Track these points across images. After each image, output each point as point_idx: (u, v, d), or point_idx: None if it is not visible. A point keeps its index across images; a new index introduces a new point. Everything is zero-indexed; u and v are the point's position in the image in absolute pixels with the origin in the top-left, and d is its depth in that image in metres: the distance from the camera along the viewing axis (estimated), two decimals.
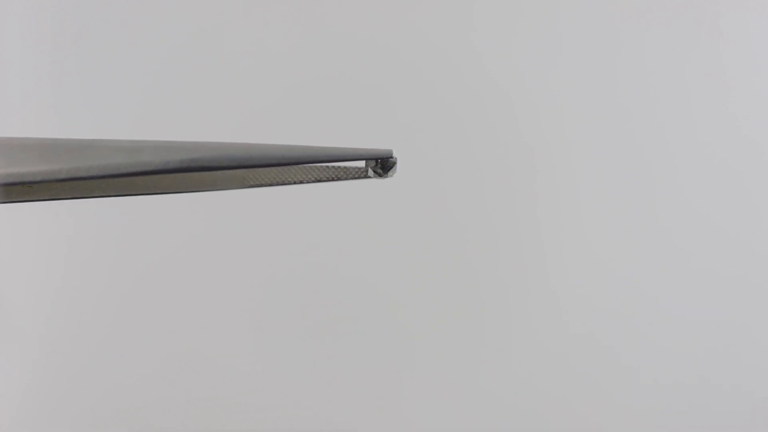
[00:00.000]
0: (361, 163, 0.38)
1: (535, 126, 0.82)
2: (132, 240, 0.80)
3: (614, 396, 0.83)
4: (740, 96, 0.83)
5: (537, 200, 0.82)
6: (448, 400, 0.82)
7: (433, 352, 0.82)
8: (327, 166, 0.38)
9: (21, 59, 0.79)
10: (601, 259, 0.83)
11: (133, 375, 0.80)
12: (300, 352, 0.81)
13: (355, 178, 0.38)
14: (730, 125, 0.83)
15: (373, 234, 0.81)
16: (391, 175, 0.38)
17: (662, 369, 0.83)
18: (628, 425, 0.83)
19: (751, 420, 0.83)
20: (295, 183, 0.37)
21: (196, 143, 0.37)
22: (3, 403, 0.79)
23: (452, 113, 0.82)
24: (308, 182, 0.38)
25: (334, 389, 0.81)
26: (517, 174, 0.82)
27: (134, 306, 0.80)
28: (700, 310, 0.83)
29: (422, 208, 0.82)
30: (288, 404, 0.81)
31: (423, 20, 0.82)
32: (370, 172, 0.38)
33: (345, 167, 0.38)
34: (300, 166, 0.37)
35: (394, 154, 0.39)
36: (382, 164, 0.38)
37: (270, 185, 0.37)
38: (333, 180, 0.38)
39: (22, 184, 0.36)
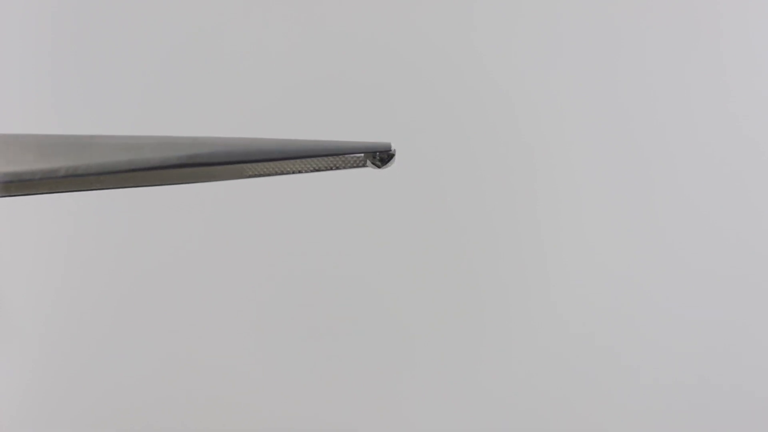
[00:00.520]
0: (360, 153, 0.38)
1: (535, 125, 0.82)
2: (131, 240, 0.80)
3: (614, 396, 0.83)
4: (740, 96, 0.83)
5: (537, 200, 0.83)
6: (448, 400, 0.82)
7: (433, 352, 0.82)
8: (325, 157, 0.38)
9: (20, 56, 0.79)
10: (601, 258, 0.83)
11: (132, 375, 0.80)
12: (300, 352, 0.81)
13: (353, 167, 0.38)
14: (730, 125, 0.83)
15: (373, 234, 0.81)
16: (389, 166, 0.38)
17: (662, 369, 0.83)
18: (628, 425, 0.83)
19: (752, 420, 0.83)
20: (293, 173, 0.38)
21: (194, 139, 0.37)
22: (3, 403, 0.79)
23: (452, 112, 0.82)
24: (306, 172, 0.38)
25: (334, 389, 0.81)
26: (517, 173, 0.82)
27: (134, 306, 0.80)
28: (699, 310, 0.83)
29: (422, 208, 0.82)
30: (288, 404, 0.81)
31: (423, 19, 0.82)
32: (368, 163, 0.38)
33: (343, 157, 0.38)
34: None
35: (393, 147, 0.39)
36: (381, 158, 0.38)
37: (268, 175, 0.38)
38: (331, 169, 0.38)
39: (21, 182, 0.36)
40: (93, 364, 0.80)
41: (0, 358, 0.78)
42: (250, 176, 0.38)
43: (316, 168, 0.38)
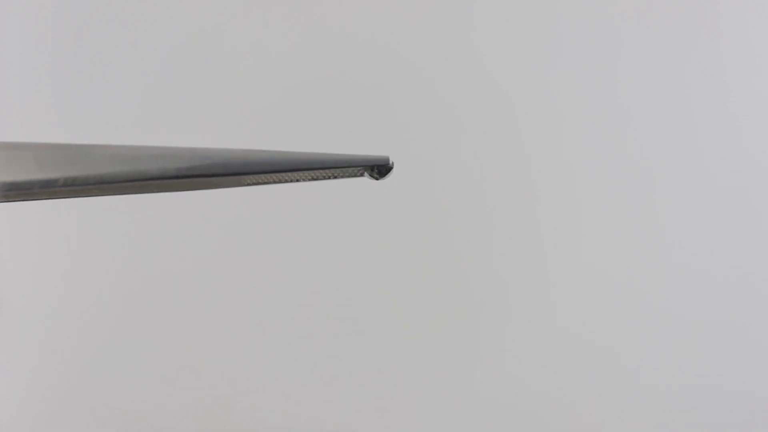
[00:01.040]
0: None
1: (534, 126, 0.82)
2: (132, 242, 0.80)
3: (613, 397, 0.83)
4: (739, 97, 0.83)
5: (535, 200, 0.83)
6: (447, 401, 0.83)
7: (432, 354, 0.82)
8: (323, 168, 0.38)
9: (19, 60, 0.79)
10: (599, 259, 0.83)
11: (132, 376, 0.80)
12: (299, 354, 0.81)
13: (351, 177, 0.38)
14: (730, 126, 0.83)
15: (370, 235, 0.82)
16: (387, 178, 0.38)
17: (661, 370, 0.83)
18: (627, 426, 0.83)
19: (751, 421, 0.83)
20: (291, 181, 0.38)
21: (193, 150, 0.37)
22: (3, 403, 0.79)
23: (450, 112, 0.82)
24: (305, 180, 0.38)
25: (333, 390, 0.82)
26: (515, 174, 0.83)
27: (134, 307, 0.80)
28: (699, 311, 0.83)
29: (420, 210, 0.82)
30: (287, 405, 0.81)
31: (422, 19, 0.82)
32: (366, 174, 0.38)
33: (341, 168, 0.38)
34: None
35: (391, 161, 0.39)
36: (379, 171, 0.38)
37: (267, 183, 0.38)
38: (329, 179, 0.39)
39: (19, 191, 0.36)
40: (93, 365, 0.80)
41: (1, 358, 0.79)
42: (248, 185, 0.38)
43: (314, 177, 0.38)
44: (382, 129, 0.81)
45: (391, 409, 0.82)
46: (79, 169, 0.36)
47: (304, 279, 0.81)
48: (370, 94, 0.81)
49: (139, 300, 0.80)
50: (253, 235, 0.81)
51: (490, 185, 0.82)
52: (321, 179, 0.39)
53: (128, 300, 0.80)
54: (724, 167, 0.83)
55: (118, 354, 0.80)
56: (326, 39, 0.81)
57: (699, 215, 0.83)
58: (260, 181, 0.38)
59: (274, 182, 0.39)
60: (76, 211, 0.78)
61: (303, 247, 0.81)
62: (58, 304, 0.80)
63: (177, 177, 0.37)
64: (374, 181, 0.40)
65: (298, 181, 0.39)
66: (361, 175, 0.39)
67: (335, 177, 0.39)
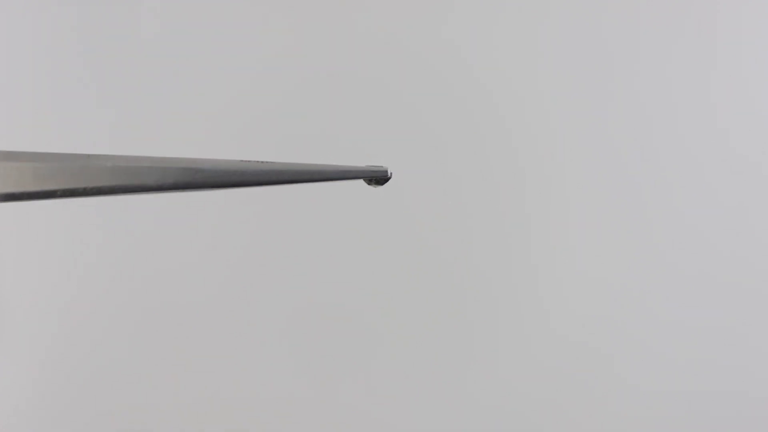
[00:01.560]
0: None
1: (527, 133, 0.83)
2: (131, 243, 0.80)
3: (605, 399, 0.83)
4: (732, 100, 0.83)
5: (528, 205, 0.83)
6: (440, 402, 0.83)
7: (425, 356, 0.83)
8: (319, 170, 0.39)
9: (18, 65, 0.79)
10: (592, 263, 0.83)
11: (131, 376, 0.80)
12: (291, 354, 0.82)
13: (347, 179, 0.39)
14: (719, 130, 0.83)
15: (365, 237, 0.82)
16: (383, 185, 0.39)
17: (655, 374, 0.84)
18: (620, 428, 0.84)
19: (747, 424, 0.84)
20: (287, 182, 0.38)
21: (192, 161, 0.37)
22: (3, 403, 0.79)
23: (446, 120, 0.82)
24: (300, 182, 0.38)
25: (327, 391, 0.82)
26: (508, 178, 0.83)
27: (133, 307, 0.80)
28: (692, 315, 0.83)
29: (415, 212, 0.82)
30: (279, 405, 0.82)
31: (420, 24, 0.82)
32: (363, 182, 0.39)
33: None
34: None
35: (389, 172, 0.39)
36: (377, 181, 0.39)
37: (262, 184, 0.38)
38: (324, 180, 0.39)
39: (14, 199, 0.36)
40: (93, 366, 0.80)
41: (1, 359, 0.78)
42: (242, 185, 0.38)
43: (311, 179, 0.39)
44: (378, 133, 0.81)
45: (385, 410, 0.83)
46: (77, 181, 0.36)
47: (299, 281, 0.81)
48: (366, 98, 0.81)
49: (139, 300, 0.80)
50: (249, 236, 0.81)
51: (483, 192, 0.83)
52: (317, 181, 0.39)
53: (127, 302, 0.80)
54: (716, 169, 0.83)
55: (116, 355, 0.80)
56: (324, 41, 0.81)
57: (692, 219, 0.83)
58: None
59: (273, 183, 0.39)
60: (80, 211, 0.78)
61: (297, 248, 0.81)
62: (57, 304, 0.80)
63: (174, 189, 0.37)
64: (369, 187, 0.40)
65: (294, 182, 0.39)
66: (359, 178, 0.39)
67: (331, 179, 0.39)
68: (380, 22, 0.81)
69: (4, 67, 0.78)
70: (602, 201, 0.83)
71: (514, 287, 0.83)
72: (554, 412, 0.84)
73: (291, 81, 0.80)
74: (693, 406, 0.84)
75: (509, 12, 0.82)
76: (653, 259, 0.83)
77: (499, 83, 0.82)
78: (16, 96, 0.78)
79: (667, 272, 0.83)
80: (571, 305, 0.83)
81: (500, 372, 0.83)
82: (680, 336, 0.84)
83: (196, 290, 0.81)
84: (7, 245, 0.78)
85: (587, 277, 0.83)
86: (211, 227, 0.80)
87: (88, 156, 0.38)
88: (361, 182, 0.40)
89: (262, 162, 0.38)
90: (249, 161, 0.38)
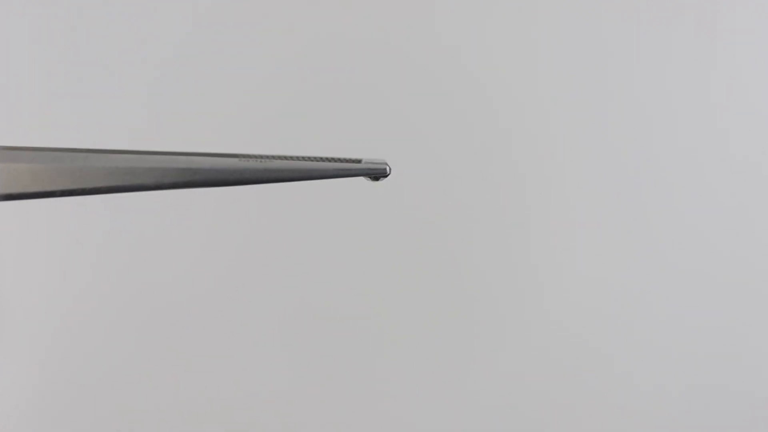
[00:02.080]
0: (354, 157, 0.39)
1: (527, 129, 0.82)
2: (130, 243, 0.80)
3: (607, 397, 0.84)
4: (732, 99, 0.83)
5: (529, 201, 0.83)
6: (441, 400, 0.83)
7: (426, 354, 0.83)
8: (317, 168, 0.39)
9: (16, 63, 0.79)
10: (593, 260, 0.83)
11: (131, 376, 0.80)
12: (292, 354, 0.82)
13: (346, 177, 0.39)
14: (719, 130, 0.83)
15: (365, 235, 0.82)
16: (382, 180, 0.39)
17: (657, 371, 0.84)
18: (621, 426, 0.84)
19: (749, 422, 0.84)
20: (286, 180, 0.38)
21: (189, 160, 0.37)
22: (3, 403, 0.79)
23: (446, 117, 0.82)
24: (300, 180, 0.39)
25: (327, 390, 0.82)
26: (508, 177, 0.83)
27: (133, 307, 0.80)
28: (693, 311, 0.84)
29: (414, 211, 0.82)
30: (280, 405, 0.82)
31: (416, 25, 0.82)
32: (363, 178, 0.39)
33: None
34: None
35: (389, 168, 0.39)
36: (376, 177, 0.39)
37: (262, 182, 0.38)
38: (323, 178, 0.39)
39: (13, 198, 0.36)
40: (93, 366, 0.80)
41: (1, 359, 0.79)
42: (241, 183, 0.38)
43: (310, 177, 0.39)
44: (377, 129, 0.81)
45: (385, 409, 0.83)
46: (75, 182, 0.36)
47: (299, 280, 0.81)
48: (365, 96, 0.81)
49: (138, 300, 0.80)
50: (250, 236, 0.81)
51: (483, 188, 0.83)
52: (316, 179, 0.39)
53: (128, 301, 0.80)
54: (716, 169, 0.83)
55: (117, 354, 0.80)
56: (321, 42, 0.81)
57: (692, 219, 0.83)
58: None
59: (272, 181, 0.39)
60: (79, 211, 0.78)
61: (297, 248, 0.81)
62: (58, 304, 0.80)
63: (173, 187, 0.37)
64: (369, 183, 0.40)
65: (292, 180, 0.39)
66: (357, 175, 0.39)
67: (329, 177, 0.39)
68: (378, 21, 0.81)
69: (6, 65, 0.78)
70: (602, 200, 0.83)
71: (515, 287, 0.83)
72: (555, 411, 0.84)
73: (289, 80, 0.80)
74: (693, 404, 0.84)
75: (510, 12, 0.82)
76: (653, 258, 0.83)
77: (500, 82, 0.82)
78: (26, 94, 0.78)
79: (668, 271, 0.83)
80: (571, 304, 0.83)
81: (501, 371, 0.83)
82: (680, 335, 0.84)
83: (196, 290, 0.81)
84: (6, 245, 0.78)
85: (587, 277, 0.83)
86: (211, 226, 0.80)
87: (87, 154, 0.38)
88: (359, 181, 0.40)
89: (260, 158, 0.38)
90: (247, 157, 0.38)
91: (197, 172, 0.37)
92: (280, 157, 0.39)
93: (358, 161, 0.40)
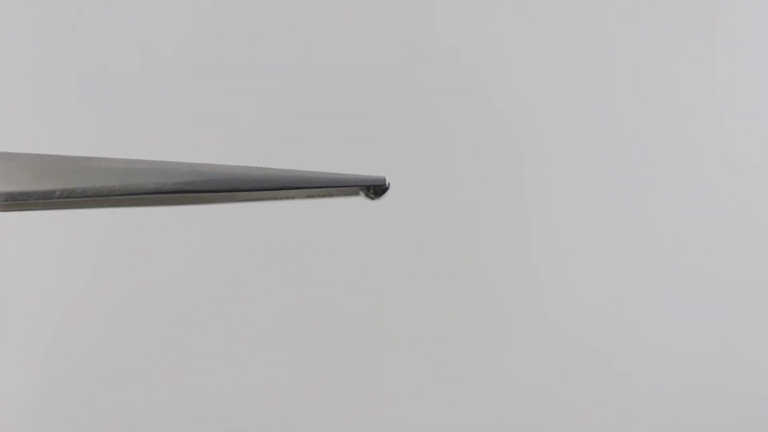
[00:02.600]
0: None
1: (526, 128, 0.83)
2: (130, 242, 0.80)
3: (607, 397, 0.84)
4: (732, 99, 0.83)
5: (529, 200, 0.83)
6: (441, 401, 0.83)
7: (426, 354, 0.83)
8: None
9: (16, 63, 0.79)
10: (593, 259, 0.83)
11: (131, 376, 0.80)
12: (291, 354, 0.82)
13: (347, 195, 0.39)
14: (719, 130, 0.84)
15: (365, 235, 0.82)
16: (382, 198, 0.39)
17: (656, 371, 0.84)
18: (621, 426, 0.84)
19: (750, 423, 0.84)
20: (285, 199, 0.38)
21: (190, 165, 0.37)
22: (3, 403, 0.79)
23: (441, 119, 0.82)
24: (299, 198, 0.39)
25: (325, 390, 0.82)
26: (508, 176, 0.83)
27: (133, 307, 0.80)
28: (694, 311, 0.84)
29: (414, 208, 0.82)
30: (279, 405, 0.82)
31: (415, 34, 0.82)
32: (362, 194, 0.39)
33: (336, 187, 0.39)
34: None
35: (387, 181, 0.39)
36: (375, 191, 0.39)
37: (261, 200, 0.38)
38: (325, 197, 0.39)
39: (15, 201, 0.36)
40: (93, 366, 0.80)
41: (1, 359, 0.79)
42: (242, 201, 0.38)
43: (310, 195, 0.38)
44: (377, 129, 0.81)
45: (385, 409, 0.83)
46: (76, 181, 0.37)
47: (299, 280, 0.81)
48: (363, 95, 0.81)
49: (139, 300, 0.80)
50: (250, 235, 0.81)
51: (481, 188, 0.83)
52: (316, 197, 0.39)
53: (128, 300, 0.80)
54: (716, 169, 0.83)
55: (117, 354, 0.81)
56: (321, 45, 0.81)
57: (692, 219, 0.83)
58: (255, 198, 0.39)
59: (269, 199, 0.39)
60: (80, 210, 0.78)
61: (297, 247, 0.81)
62: (58, 304, 0.80)
63: (174, 192, 0.37)
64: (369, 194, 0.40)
65: (293, 198, 0.39)
66: (357, 194, 0.39)
67: (331, 195, 0.39)
68: (377, 22, 0.81)
69: (6, 65, 0.78)
70: (602, 200, 0.83)
71: (514, 286, 0.83)
72: (554, 411, 0.84)
73: (287, 85, 0.80)
74: (693, 404, 0.84)
75: (509, 12, 0.82)
76: (653, 258, 0.83)
77: (500, 83, 0.82)
78: (26, 94, 0.78)
79: (668, 271, 0.83)
80: (571, 304, 0.83)
81: (500, 371, 0.83)
82: (680, 335, 0.84)
83: (196, 290, 0.81)
84: (6, 245, 0.78)
85: (587, 277, 0.83)
86: (211, 226, 0.80)
87: (88, 158, 0.38)
88: (359, 199, 0.40)
89: (261, 168, 0.38)
90: (248, 166, 0.38)
91: (199, 174, 0.37)
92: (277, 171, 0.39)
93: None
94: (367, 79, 0.81)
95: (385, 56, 0.81)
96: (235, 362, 0.81)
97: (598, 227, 0.83)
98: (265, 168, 0.38)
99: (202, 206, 0.79)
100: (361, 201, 0.80)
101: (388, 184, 0.39)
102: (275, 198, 0.39)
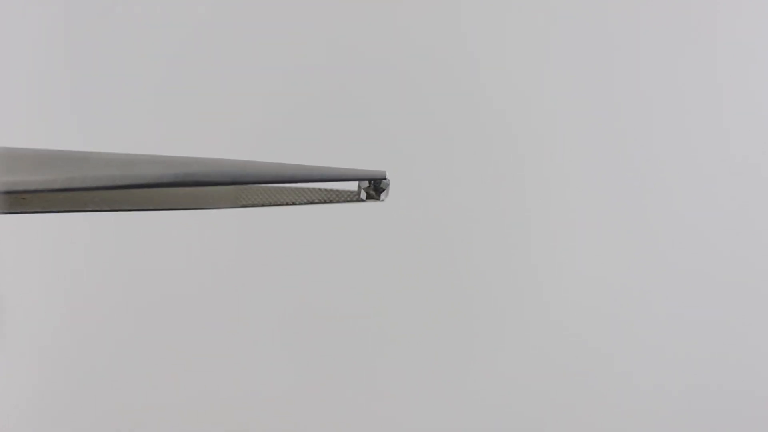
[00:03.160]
0: (354, 186, 0.38)
1: (527, 128, 0.82)
2: (131, 242, 0.80)
3: (606, 396, 0.84)
4: (732, 100, 0.83)
5: (529, 201, 0.83)
6: (441, 400, 0.83)
7: (426, 353, 0.83)
8: (320, 189, 0.38)
9: (18, 70, 0.79)
10: (593, 260, 0.83)
11: (131, 376, 0.80)
12: (292, 354, 0.82)
13: (348, 201, 0.38)
14: (719, 130, 0.83)
15: (364, 234, 0.82)
16: (383, 199, 0.38)
17: (655, 370, 0.84)
18: (620, 425, 0.84)
19: (750, 423, 0.84)
20: (287, 204, 0.38)
21: (190, 159, 0.37)
22: (3, 403, 0.79)
23: (444, 119, 0.82)
24: (300, 204, 0.38)
25: (327, 390, 0.82)
26: (509, 177, 0.83)
27: (133, 307, 0.80)
28: (693, 311, 0.84)
29: (414, 209, 0.82)
30: (280, 404, 0.82)
31: (416, 33, 0.82)
32: (363, 195, 0.38)
33: (337, 190, 0.38)
34: (293, 187, 0.38)
35: (387, 176, 0.39)
36: (375, 187, 0.38)
37: (262, 205, 0.38)
38: (325, 202, 0.38)
39: (17, 192, 0.36)
40: (93, 366, 0.80)
41: (1, 359, 0.78)
42: (244, 205, 0.38)
43: (310, 200, 0.38)
44: (376, 129, 0.81)
45: (385, 409, 0.83)
46: (76, 170, 0.36)
47: (299, 280, 0.81)
48: (362, 95, 0.81)
49: (139, 300, 0.80)
50: (250, 235, 0.81)
51: (483, 189, 0.83)
52: (317, 203, 0.39)
53: (128, 300, 0.80)
54: (716, 169, 0.83)
55: (117, 354, 0.80)
56: (320, 56, 0.81)
57: (692, 219, 0.83)
58: (256, 201, 0.38)
59: (270, 204, 0.38)
60: (79, 217, 0.78)
61: (297, 247, 0.81)
62: (58, 304, 0.80)
63: (174, 184, 0.37)
64: (369, 197, 0.39)
65: (294, 203, 0.38)
66: (357, 199, 0.39)
67: (331, 201, 0.39)
68: (377, 24, 0.81)
69: (6, 65, 0.78)
70: (602, 201, 0.83)
71: (514, 286, 0.83)
72: (554, 410, 0.84)
73: (287, 85, 0.80)
74: (693, 404, 0.84)
75: (510, 13, 0.82)
76: (653, 258, 0.83)
77: (500, 84, 0.82)
78: (25, 94, 0.78)
79: (668, 271, 0.83)
80: (571, 304, 0.83)
81: (500, 371, 0.83)
82: (680, 334, 0.84)
83: (196, 290, 0.80)
84: (6, 245, 0.78)
85: (587, 277, 0.83)
86: (212, 226, 0.80)
87: (89, 152, 0.38)
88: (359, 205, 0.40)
89: (261, 162, 0.38)
90: (248, 160, 0.38)
91: (199, 165, 0.37)
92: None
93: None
94: (367, 80, 0.81)
95: (386, 56, 0.81)
96: (235, 362, 0.81)
97: (599, 227, 0.83)
98: (266, 162, 0.38)
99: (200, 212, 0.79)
100: (359, 205, 0.81)
101: (388, 180, 0.39)
102: (276, 203, 0.39)
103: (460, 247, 0.83)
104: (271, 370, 0.81)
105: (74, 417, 0.80)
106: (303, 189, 0.38)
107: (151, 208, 0.38)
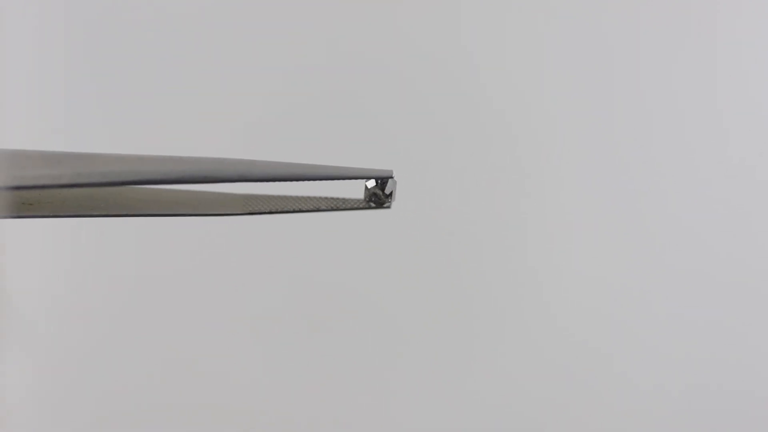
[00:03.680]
0: (360, 195, 0.38)
1: (526, 128, 0.83)
2: (131, 242, 0.80)
3: (607, 398, 0.84)
4: (730, 100, 0.84)
5: (528, 201, 0.83)
6: (441, 401, 0.83)
7: (426, 354, 0.83)
8: (326, 198, 0.38)
9: (21, 73, 0.78)
10: (593, 260, 0.83)
11: (131, 376, 0.80)
12: (292, 353, 0.82)
13: (355, 209, 0.38)
14: (718, 132, 0.84)
15: (363, 234, 0.82)
16: (389, 206, 0.38)
17: (656, 371, 0.84)
18: (621, 427, 0.84)
19: (750, 423, 0.84)
20: (294, 211, 0.38)
21: (198, 158, 0.37)
22: (3, 403, 0.79)
23: (443, 119, 0.82)
24: (307, 211, 0.38)
25: (327, 389, 0.82)
26: (508, 177, 0.83)
27: (133, 307, 0.80)
28: (693, 312, 0.84)
29: (413, 208, 0.82)
30: (280, 405, 0.82)
31: (416, 34, 0.82)
32: (370, 203, 0.38)
33: (344, 199, 0.38)
34: (300, 196, 0.38)
35: (394, 174, 0.39)
36: (382, 187, 0.38)
37: (270, 213, 0.38)
38: (332, 210, 0.38)
39: (25, 188, 0.36)
40: (93, 366, 0.80)
41: (2, 359, 0.78)
42: (251, 213, 0.38)
43: (317, 207, 0.38)
44: (376, 129, 0.81)
45: (385, 410, 0.83)
46: (85, 167, 0.36)
47: (299, 280, 0.81)
48: (361, 95, 0.81)
49: (139, 300, 0.80)
50: (249, 235, 0.81)
51: (482, 188, 0.83)
52: (324, 210, 0.39)
53: (128, 300, 0.80)
54: (714, 171, 0.84)
55: (117, 354, 0.80)
56: (322, 56, 0.81)
57: (690, 220, 0.83)
58: (264, 208, 0.38)
59: (278, 211, 0.39)
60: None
61: (297, 247, 0.81)
62: (58, 304, 0.80)
63: (181, 180, 0.37)
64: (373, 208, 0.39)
65: (301, 210, 0.39)
66: (364, 207, 0.39)
67: (338, 208, 0.39)
68: (384, 33, 0.81)
69: (6, 66, 0.78)
70: (601, 201, 0.83)
71: (514, 286, 0.83)
72: (554, 410, 0.84)
73: (288, 85, 0.80)
74: (693, 404, 0.84)
75: (510, 13, 0.82)
76: (652, 258, 0.84)
77: (498, 83, 0.82)
78: (25, 95, 0.78)
79: (667, 271, 0.84)
80: (570, 304, 0.83)
81: (500, 371, 0.83)
82: (680, 335, 0.84)
83: (196, 290, 0.81)
84: (7, 246, 0.78)
85: (587, 277, 0.83)
86: (211, 224, 0.80)
87: (95, 153, 0.38)
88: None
89: (267, 162, 0.38)
90: (255, 160, 0.38)
91: (207, 164, 0.37)
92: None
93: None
94: (367, 80, 0.81)
95: (386, 57, 0.81)
96: (235, 362, 0.81)
97: (598, 227, 0.83)
98: (273, 161, 0.38)
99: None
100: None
101: (395, 179, 0.39)
102: (283, 210, 0.39)
103: (460, 247, 0.83)
104: (271, 371, 0.81)
105: (74, 417, 0.80)
106: (310, 197, 0.38)
107: (159, 213, 0.38)
